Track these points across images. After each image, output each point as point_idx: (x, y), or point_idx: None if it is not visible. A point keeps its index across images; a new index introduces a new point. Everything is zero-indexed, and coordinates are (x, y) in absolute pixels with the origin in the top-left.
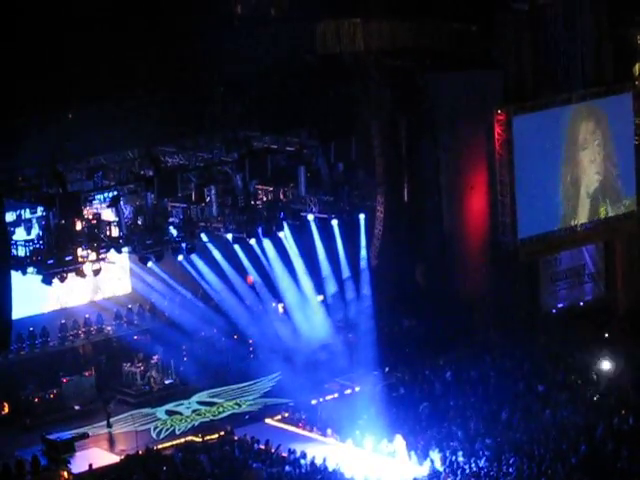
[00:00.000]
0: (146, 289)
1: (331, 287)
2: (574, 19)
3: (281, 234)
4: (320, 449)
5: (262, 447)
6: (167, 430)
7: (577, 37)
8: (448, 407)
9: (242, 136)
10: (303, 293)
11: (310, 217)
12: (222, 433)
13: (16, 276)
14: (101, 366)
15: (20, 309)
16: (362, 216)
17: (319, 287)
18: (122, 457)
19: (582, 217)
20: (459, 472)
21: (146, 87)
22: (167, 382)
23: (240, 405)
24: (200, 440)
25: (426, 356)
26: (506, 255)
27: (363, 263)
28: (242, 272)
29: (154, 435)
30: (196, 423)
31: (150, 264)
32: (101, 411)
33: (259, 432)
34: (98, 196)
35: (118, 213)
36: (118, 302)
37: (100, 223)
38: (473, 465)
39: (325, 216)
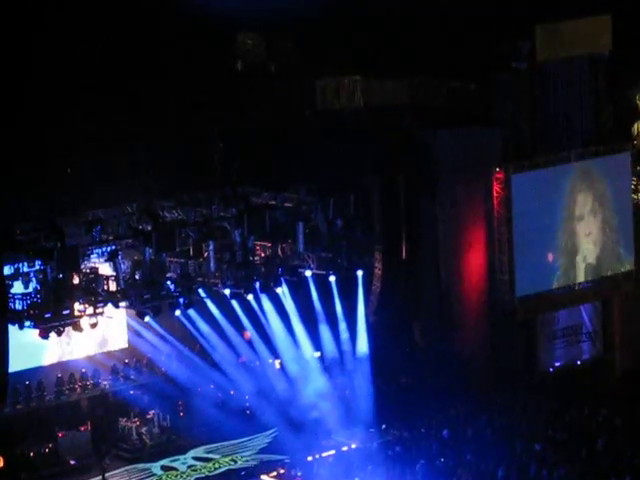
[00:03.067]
0: (143, 344)
1: (328, 344)
2: (573, 78)
3: (279, 290)
4: None
5: None
6: None
7: (576, 96)
8: (445, 465)
9: (241, 192)
10: (300, 349)
11: (308, 273)
12: None
13: (13, 330)
14: (97, 421)
15: (16, 363)
16: (360, 273)
17: (316, 343)
18: None
19: (580, 279)
20: None
21: (145, 142)
22: (163, 437)
23: (236, 461)
24: None
25: (423, 414)
26: (504, 313)
27: (361, 320)
28: (239, 328)
29: None
30: (192, 479)
31: (147, 319)
32: (96, 466)
33: None
34: (96, 250)
35: (116, 267)
36: (115, 357)
37: (98, 277)
38: None
39: (323, 272)
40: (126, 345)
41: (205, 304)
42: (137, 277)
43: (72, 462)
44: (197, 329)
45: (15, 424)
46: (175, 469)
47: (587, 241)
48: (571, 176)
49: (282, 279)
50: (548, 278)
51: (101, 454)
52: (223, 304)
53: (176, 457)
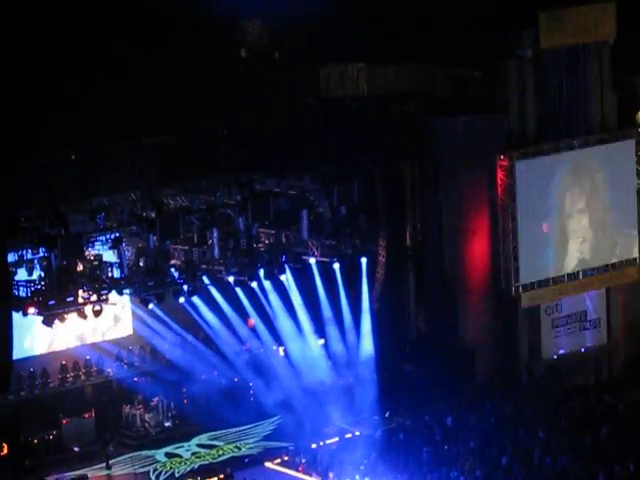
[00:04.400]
0: (147, 331)
1: (332, 331)
2: (577, 66)
3: (283, 277)
4: None
5: None
6: (166, 473)
7: (580, 84)
8: (448, 453)
9: (245, 179)
10: (304, 336)
11: (312, 260)
12: (222, 476)
13: (17, 317)
14: (101, 408)
15: (20, 350)
16: (364, 260)
17: (320, 331)
18: None
19: (578, 267)
20: None
21: (149, 130)
22: (167, 424)
23: (240, 448)
24: None
25: (427, 401)
26: (507, 301)
27: (365, 307)
28: (243, 315)
29: (153, 478)
30: (195, 466)
31: (151, 306)
32: (101, 453)
33: (259, 475)
34: (100, 237)
35: (120, 255)
36: (119, 344)
37: (102, 264)
38: None
39: (327, 260)
40: (130, 332)
41: (209, 291)
42: (141, 264)
43: (76, 449)
44: (201, 316)
45: (19, 411)
46: (179, 456)
47: (582, 230)
48: (565, 166)
49: (286, 266)
50: (552, 265)
51: (105, 441)
52: (227, 291)
53: (180, 444)
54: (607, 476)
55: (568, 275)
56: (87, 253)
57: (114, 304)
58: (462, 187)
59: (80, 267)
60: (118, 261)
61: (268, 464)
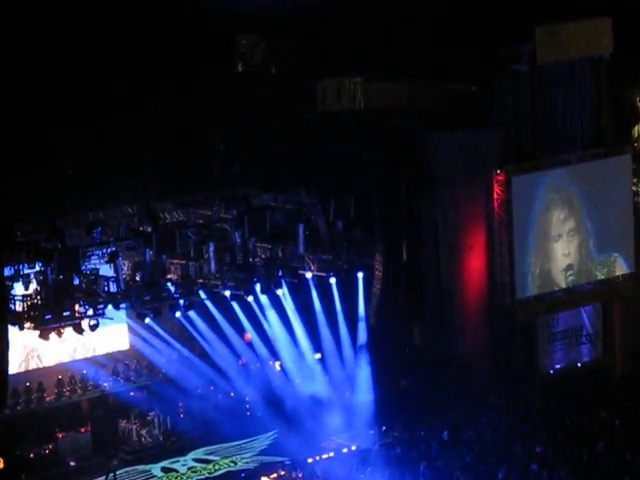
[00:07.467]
0: (143, 345)
1: (329, 346)
2: (574, 80)
3: (279, 292)
4: None
5: None
6: None
7: (577, 98)
8: (445, 467)
9: (241, 193)
10: (300, 351)
11: (308, 275)
12: None
13: (13, 331)
14: (97, 422)
15: (16, 364)
16: (360, 274)
17: (316, 345)
18: None
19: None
20: None
21: (146, 144)
22: (163, 439)
23: (236, 463)
24: None
25: (423, 416)
26: (504, 315)
27: (361, 322)
28: (239, 329)
29: None
30: None
31: (148, 320)
32: (96, 467)
33: None
34: (96, 251)
35: (116, 269)
36: (115, 358)
37: (98, 279)
38: None
39: (323, 274)
40: (127, 347)
41: (205, 306)
42: (137, 278)
43: (72, 463)
44: (197, 331)
45: (15, 425)
46: (175, 470)
47: (578, 244)
48: (562, 180)
49: (282, 281)
50: (548, 280)
51: (108, 456)
52: (223, 306)
53: (176, 458)
54: None
55: (564, 289)
56: (83, 267)
57: (110, 318)
58: (459, 202)
59: (76, 281)
60: (114, 275)
61: (264, 479)
